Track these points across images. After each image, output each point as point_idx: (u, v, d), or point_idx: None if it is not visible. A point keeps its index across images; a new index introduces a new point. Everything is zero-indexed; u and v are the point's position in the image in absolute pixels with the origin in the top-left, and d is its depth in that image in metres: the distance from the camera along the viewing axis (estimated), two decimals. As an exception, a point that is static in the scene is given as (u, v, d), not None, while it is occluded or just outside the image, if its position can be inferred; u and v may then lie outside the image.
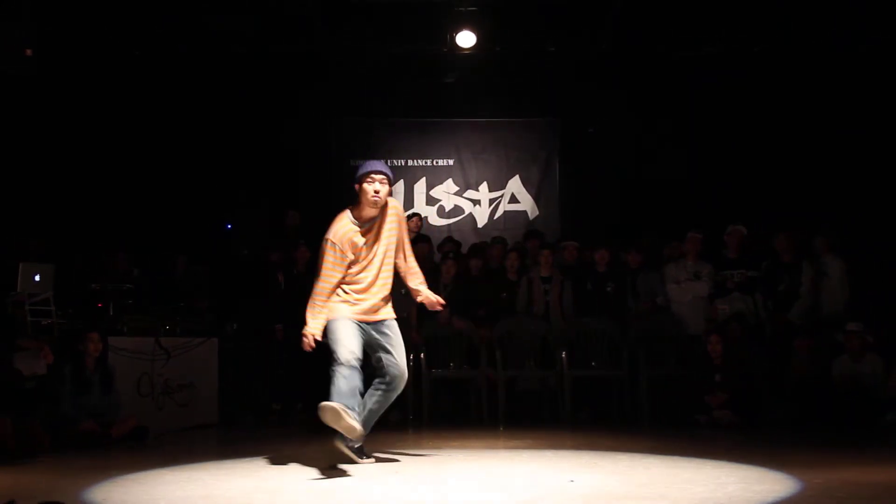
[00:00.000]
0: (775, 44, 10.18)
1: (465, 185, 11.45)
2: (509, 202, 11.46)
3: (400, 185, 11.30)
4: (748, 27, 9.94)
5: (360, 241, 5.56)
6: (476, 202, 11.45)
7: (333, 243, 5.52)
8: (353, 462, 5.41)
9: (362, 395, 5.44)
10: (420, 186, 11.37)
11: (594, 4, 9.81)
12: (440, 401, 9.02)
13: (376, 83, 10.97)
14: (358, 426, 5.19)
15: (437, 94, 11.30)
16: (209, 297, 9.25)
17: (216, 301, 9.29)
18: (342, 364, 5.27)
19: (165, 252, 9.69)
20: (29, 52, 8.23)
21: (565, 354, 8.72)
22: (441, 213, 11.38)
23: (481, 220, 11.43)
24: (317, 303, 5.50)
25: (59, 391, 7.10)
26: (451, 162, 11.47)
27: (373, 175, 5.51)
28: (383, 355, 5.58)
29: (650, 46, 10.38)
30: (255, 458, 5.99)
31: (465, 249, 10.31)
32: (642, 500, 4.31)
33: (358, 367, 5.34)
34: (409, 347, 8.72)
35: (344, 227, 5.56)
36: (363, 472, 5.27)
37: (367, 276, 5.59)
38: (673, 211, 10.45)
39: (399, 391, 5.63)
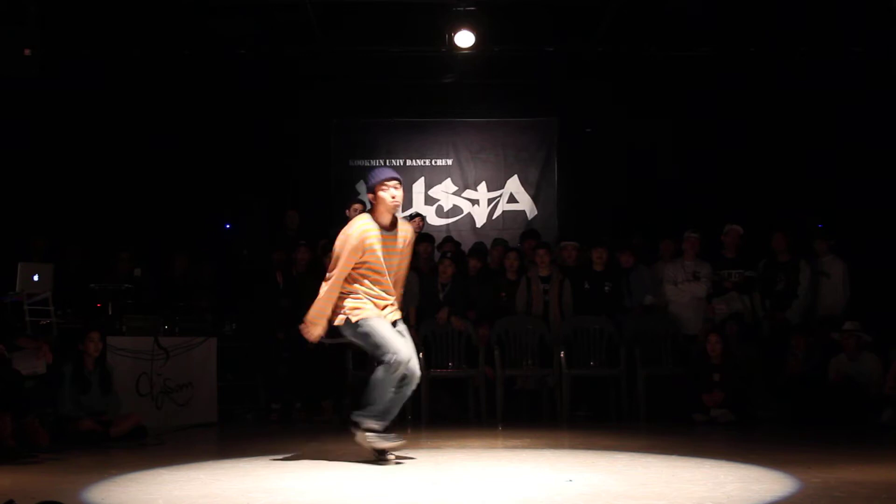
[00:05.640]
0: (771, 44, 10.19)
1: (464, 184, 11.44)
2: (508, 202, 11.46)
3: (398, 185, 11.30)
4: (744, 27, 9.95)
5: (379, 245, 5.66)
6: (475, 202, 11.45)
7: (354, 242, 5.61)
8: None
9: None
10: (418, 186, 11.36)
11: (591, 5, 9.82)
12: (439, 400, 9.03)
13: (375, 83, 10.97)
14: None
15: (436, 94, 11.30)
16: (209, 297, 9.26)
17: (216, 301, 9.30)
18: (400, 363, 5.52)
19: (165, 252, 9.69)
20: (27, 51, 8.20)
21: (563, 354, 8.74)
22: (440, 212, 11.38)
23: (480, 220, 11.43)
24: (330, 297, 5.61)
25: (59, 390, 7.11)
26: (449, 162, 11.47)
27: (386, 182, 5.69)
28: None
29: (646, 47, 10.38)
30: (254, 458, 6.00)
31: (464, 249, 10.31)
32: (640, 499, 4.32)
33: None
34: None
35: (366, 227, 5.65)
36: (362, 472, 5.29)
37: (381, 280, 5.71)
38: (670, 210, 10.46)
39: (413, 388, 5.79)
